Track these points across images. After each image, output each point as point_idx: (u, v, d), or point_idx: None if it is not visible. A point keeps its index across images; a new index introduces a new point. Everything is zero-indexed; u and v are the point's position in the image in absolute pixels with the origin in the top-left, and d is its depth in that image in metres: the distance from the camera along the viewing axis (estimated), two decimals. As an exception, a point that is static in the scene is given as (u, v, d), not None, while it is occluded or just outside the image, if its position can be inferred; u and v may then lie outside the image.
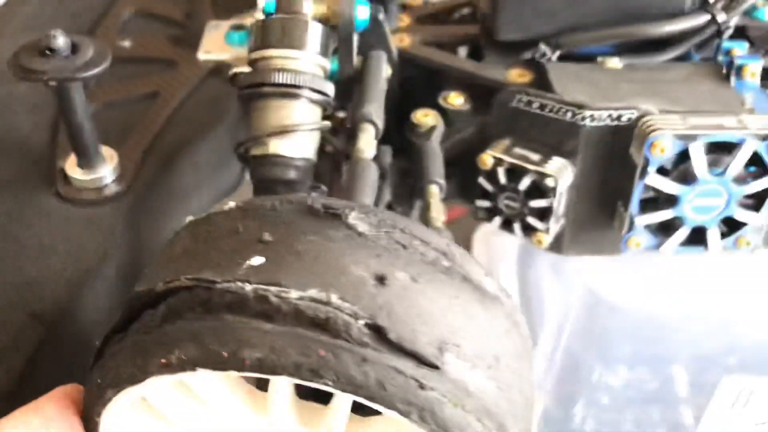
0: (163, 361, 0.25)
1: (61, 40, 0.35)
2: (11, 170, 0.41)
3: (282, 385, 0.26)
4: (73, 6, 0.54)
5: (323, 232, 0.26)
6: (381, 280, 0.24)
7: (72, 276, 0.36)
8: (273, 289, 0.24)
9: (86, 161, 0.40)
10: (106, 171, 0.40)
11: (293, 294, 0.24)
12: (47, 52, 0.35)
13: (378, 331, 0.23)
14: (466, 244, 0.81)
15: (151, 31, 0.52)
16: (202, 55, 0.48)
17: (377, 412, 0.25)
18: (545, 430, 0.62)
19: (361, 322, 0.23)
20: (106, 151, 0.41)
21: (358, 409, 0.27)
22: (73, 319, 0.35)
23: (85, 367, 0.35)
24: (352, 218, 0.26)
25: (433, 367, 0.23)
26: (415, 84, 0.48)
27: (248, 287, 0.24)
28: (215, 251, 0.26)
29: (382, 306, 0.24)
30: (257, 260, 0.25)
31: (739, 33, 0.48)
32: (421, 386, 0.23)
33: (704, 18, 0.44)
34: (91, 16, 0.53)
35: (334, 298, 0.24)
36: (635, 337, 0.51)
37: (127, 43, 0.50)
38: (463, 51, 0.51)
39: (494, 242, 0.77)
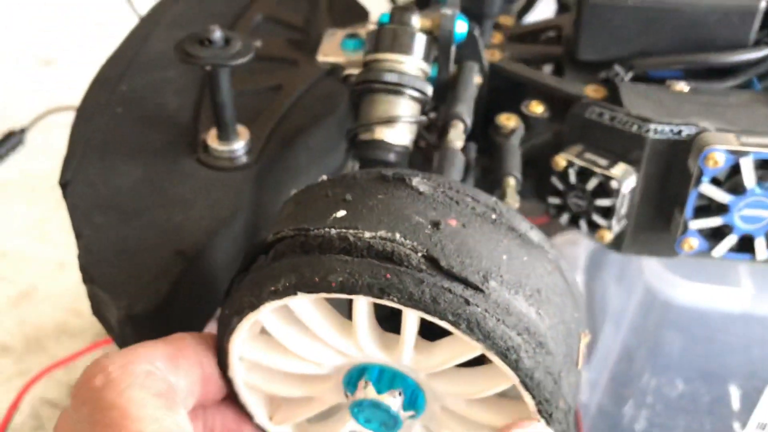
0: (272, 288, 0.33)
1: (217, 34, 0.44)
2: (161, 140, 0.50)
3: (362, 307, 0.33)
4: (212, 8, 0.63)
5: (392, 192, 0.34)
6: (436, 225, 0.32)
7: (209, 224, 0.44)
8: (351, 231, 0.32)
9: (224, 135, 0.48)
10: (239, 145, 0.48)
11: (366, 234, 0.31)
12: (206, 42, 0.44)
13: (432, 261, 0.31)
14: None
15: (277, 34, 0.61)
16: (320, 58, 0.56)
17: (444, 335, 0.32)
18: (599, 423, 0.67)
19: (419, 254, 0.31)
20: (241, 128, 0.49)
21: (426, 337, 0.34)
22: (209, 257, 0.43)
23: (215, 299, 0.44)
24: (415, 182, 0.34)
25: (478, 289, 0.30)
26: (502, 93, 0.55)
27: (333, 231, 0.32)
28: (311, 210, 0.34)
29: (436, 243, 0.31)
30: (341, 213, 0.33)
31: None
32: (467, 302, 0.30)
33: (765, 51, 0.50)
34: (227, 18, 0.61)
35: (398, 237, 0.31)
36: (686, 335, 0.56)
37: (257, 43, 0.58)
38: (547, 68, 0.58)
39: (564, 255, 0.82)
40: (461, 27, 0.47)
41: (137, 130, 0.51)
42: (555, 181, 0.50)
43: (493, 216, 0.34)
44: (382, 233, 0.32)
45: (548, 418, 0.33)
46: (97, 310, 0.44)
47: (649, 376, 0.63)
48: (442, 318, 0.31)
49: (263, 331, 0.37)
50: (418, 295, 0.30)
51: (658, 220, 0.51)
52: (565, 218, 0.51)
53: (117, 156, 0.49)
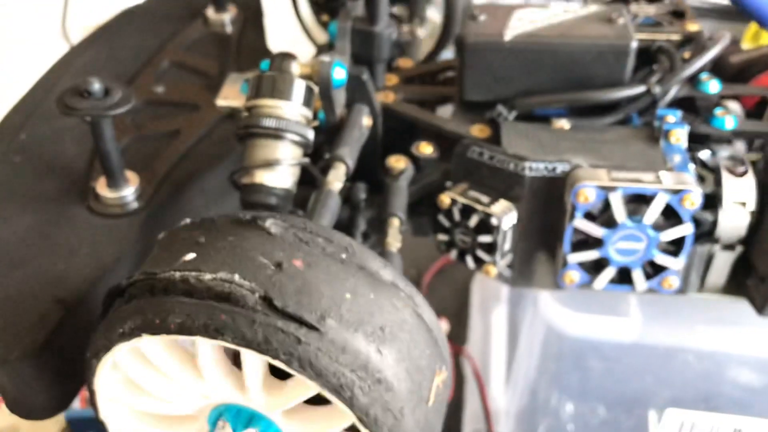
0: (120, 330, 0.34)
1: (96, 85, 0.45)
2: (55, 188, 0.51)
3: (204, 348, 0.34)
4: (120, 56, 0.64)
5: (242, 233, 0.35)
6: (279, 265, 0.33)
7: (92, 272, 0.45)
8: (193, 273, 0.33)
9: (113, 182, 0.49)
10: (129, 191, 0.49)
11: (207, 276, 0.33)
12: (85, 93, 0.45)
13: (268, 301, 0.32)
14: (465, 286, 0.88)
15: (182, 80, 0.62)
16: (219, 101, 0.58)
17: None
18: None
19: (256, 294, 0.32)
20: (130, 174, 0.50)
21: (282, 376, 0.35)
22: (89, 306, 0.44)
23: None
24: (268, 223, 0.35)
25: (313, 328, 0.31)
26: (397, 134, 0.56)
27: (177, 274, 0.33)
28: (166, 252, 0.35)
29: (275, 283, 0.32)
30: (190, 256, 0.34)
31: (688, 102, 0.55)
32: (299, 341, 0.31)
33: (640, 89, 0.52)
34: (135, 65, 0.63)
35: (237, 278, 0.32)
36: (582, 365, 0.57)
37: (160, 89, 0.60)
38: (448, 109, 0.59)
39: (488, 286, 0.84)
40: (339, 73, 0.49)
41: (32, 179, 0.52)
42: (441, 218, 0.52)
43: (343, 256, 0.35)
44: (222, 274, 0.33)
45: None
46: (-19, 358, 0.45)
47: (560, 403, 0.65)
48: (274, 357, 0.32)
49: (127, 378, 0.38)
50: (251, 335, 0.31)
51: (543, 254, 0.52)
52: (453, 254, 0.53)
53: (10, 205, 0.49)
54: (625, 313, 0.54)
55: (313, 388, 0.33)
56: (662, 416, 0.57)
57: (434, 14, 0.74)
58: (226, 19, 0.68)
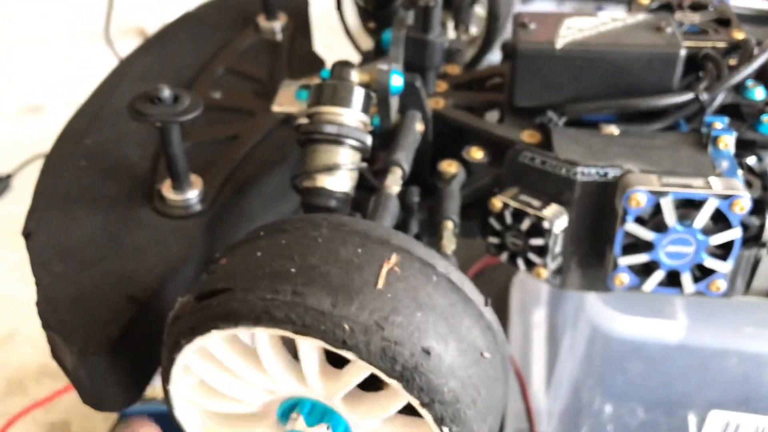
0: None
1: (166, 92, 0.47)
2: (120, 190, 0.53)
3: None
4: (178, 62, 0.66)
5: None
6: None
7: (161, 271, 0.47)
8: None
9: (178, 185, 0.51)
10: (193, 194, 0.51)
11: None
12: (156, 100, 0.47)
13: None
14: (505, 288, 0.89)
15: (238, 86, 0.64)
16: (275, 108, 0.60)
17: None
18: (555, 453, 0.69)
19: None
20: (194, 178, 0.52)
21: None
22: (159, 303, 0.46)
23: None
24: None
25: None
26: (447, 139, 0.58)
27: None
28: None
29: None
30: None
31: (734, 109, 0.56)
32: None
33: (688, 96, 0.53)
34: (191, 71, 0.65)
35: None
36: (627, 366, 0.58)
37: (217, 95, 0.62)
38: (494, 115, 0.61)
39: (528, 288, 0.85)
40: (397, 81, 0.50)
41: (98, 181, 0.54)
42: (493, 221, 0.53)
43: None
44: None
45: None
46: (56, 354, 0.47)
47: (602, 402, 0.66)
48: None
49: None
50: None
51: (592, 257, 0.53)
52: (504, 256, 0.54)
53: (78, 207, 0.52)
54: (671, 315, 0.55)
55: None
56: (706, 418, 0.58)
57: (477, 21, 0.76)
58: (276, 26, 0.70)
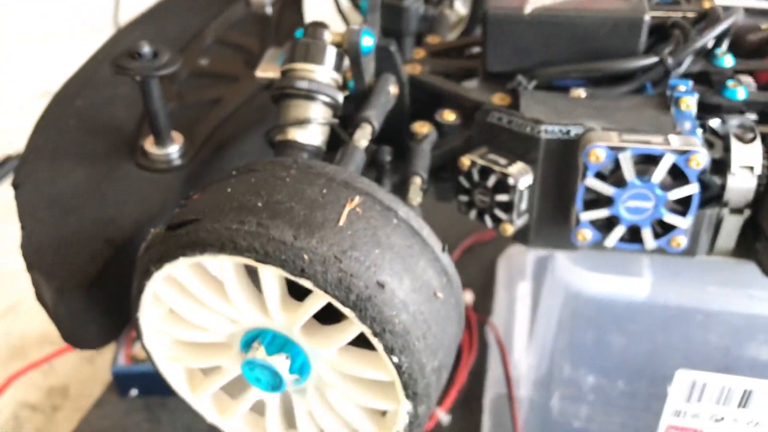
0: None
1: (146, 48, 0.50)
2: (106, 147, 0.56)
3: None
4: (168, 34, 0.69)
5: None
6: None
7: (139, 217, 0.50)
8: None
9: (160, 140, 0.53)
10: (173, 149, 0.54)
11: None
12: (136, 55, 0.50)
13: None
14: (492, 263, 0.91)
15: (224, 55, 0.66)
16: (258, 73, 0.62)
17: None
18: (531, 417, 0.70)
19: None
20: (176, 134, 0.55)
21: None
22: (136, 247, 0.48)
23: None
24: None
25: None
26: (423, 104, 0.60)
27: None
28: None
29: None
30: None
31: (704, 77, 0.58)
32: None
33: (653, 59, 0.54)
34: (181, 42, 0.67)
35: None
36: (596, 324, 0.60)
37: (204, 62, 0.64)
38: (470, 82, 0.63)
39: (514, 263, 0.87)
40: (367, 41, 0.52)
41: (86, 139, 0.56)
42: (462, 179, 0.55)
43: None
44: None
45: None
46: (38, 295, 0.49)
47: (585, 373, 0.67)
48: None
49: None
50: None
51: (558, 215, 0.55)
52: (473, 214, 0.56)
53: (65, 161, 0.54)
54: (637, 273, 0.57)
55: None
56: (672, 378, 0.60)
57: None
58: (266, 0, 0.73)
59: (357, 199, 0.39)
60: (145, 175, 0.53)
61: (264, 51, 0.67)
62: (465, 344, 0.78)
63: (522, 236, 0.56)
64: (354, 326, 0.38)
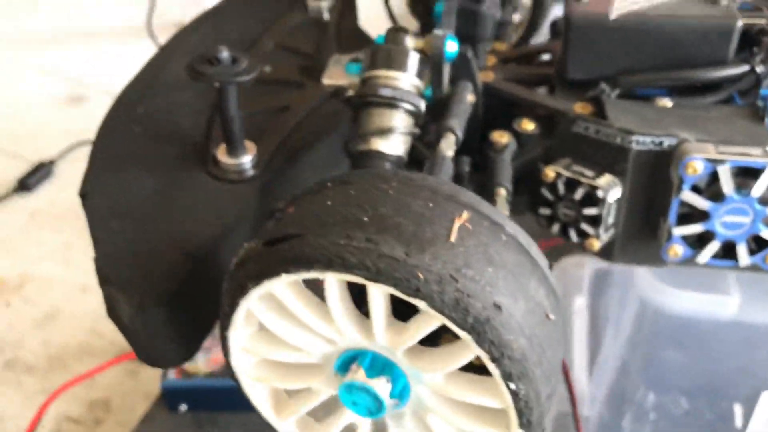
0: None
1: (225, 54, 0.48)
2: (175, 155, 0.54)
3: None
4: (228, 38, 0.67)
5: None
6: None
7: (216, 230, 0.48)
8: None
9: (233, 149, 0.51)
10: (247, 159, 0.52)
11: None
12: (214, 61, 0.48)
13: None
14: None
15: (287, 60, 0.65)
16: (325, 80, 0.60)
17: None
18: (598, 435, 0.68)
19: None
20: (248, 144, 0.53)
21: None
22: (215, 260, 0.46)
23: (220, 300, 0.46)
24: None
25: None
26: (497, 112, 0.58)
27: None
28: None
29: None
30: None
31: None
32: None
33: (744, 68, 0.52)
34: (242, 47, 0.65)
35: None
36: (678, 343, 0.58)
37: (267, 69, 0.62)
38: (542, 89, 0.61)
39: (570, 276, 0.85)
40: (452, 47, 0.50)
41: (153, 146, 0.54)
42: (545, 192, 0.53)
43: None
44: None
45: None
46: (112, 310, 0.47)
47: (646, 391, 0.65)
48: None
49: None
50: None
51: (645, 230, 0.53)
52: (555, 228, 0.54)
53: (133, 169, 0.52)
54: (723, 291, 0.54)
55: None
56: (755, 403, 0.57)
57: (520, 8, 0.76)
58: (324, 5, 0.71)
59: (465, 214, 0.37)
60: (218, 186, 0.51)
61: (322, 56, 0.66)
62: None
63: (606, 252, 0.54)
64: (469, 350, 0.35)
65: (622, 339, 0.63)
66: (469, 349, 0.35)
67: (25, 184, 1.13)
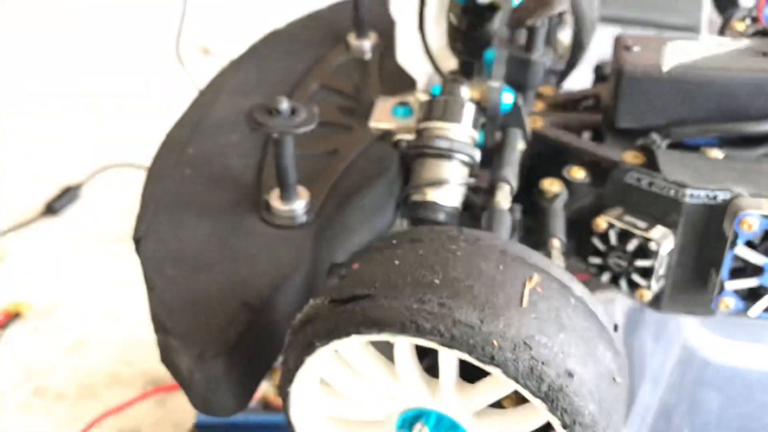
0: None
1: (284, 104, 0.48)
2: (227, 199, 0.54)
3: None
4: (272, 77, 0.67)
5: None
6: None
7: (273, 279, 0.48)
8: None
9: (286, 195, 0.52)
10: (300, 204, 0.52)
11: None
12: (274, 111, 0.48)
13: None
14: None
15: (331, 101, 0.65)
16: (373, 124, 0.60)
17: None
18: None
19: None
20: (300, 189, 0.53)
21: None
22: (273, 309, 0.46)
23: (278, 349, 0.47)
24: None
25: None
26: (545, 159, 0.58)
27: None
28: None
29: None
30: None
31: None
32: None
33: (795, 121, 0.53)
34: (286, 86, 0.66)
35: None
36: (723, 393, 0.57)
37: (315, 110, 0.63)
38: (586, 135, 0.61)
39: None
40: (507, 98, 0.51)
41: (204, 189, 0.55)
42: (596, 241, 0.53)
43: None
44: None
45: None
46: (167, 358, 0.48)
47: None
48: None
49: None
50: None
51: (695, 281, 0.53)
52: (605, 277, 0.54)
53: (186, 213, 0.53)
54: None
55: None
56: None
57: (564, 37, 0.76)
58: (366, 45, 0.71)
59: (536, 277, 0.37)
60: (272, 232, 0.51)
61: (366, 96, 0.66)
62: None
63: (655, 302, 0.54)
64: (541, 416, 0.35)
65: (662, 384, 0.63)
66: (540, 416, 0.35)
67: (52, 207, 1.14)
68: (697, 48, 0.55)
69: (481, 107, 0.51)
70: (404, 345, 0.37)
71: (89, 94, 1.43)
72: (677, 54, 0.55)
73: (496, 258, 0.38)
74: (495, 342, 0.34)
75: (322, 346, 0.38)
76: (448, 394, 0.37)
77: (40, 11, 1.64)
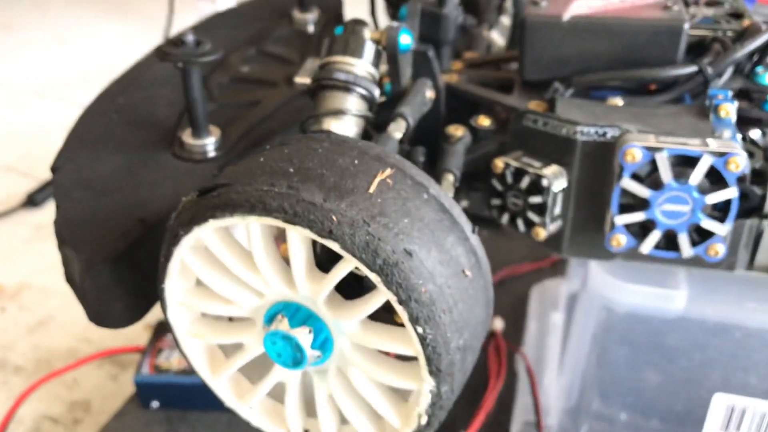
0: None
1: (190, 37, 0.51)
2: (145, 138, 0.57)
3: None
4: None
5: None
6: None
7: (172, 202, 0.50)
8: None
9: (197, 131, 0.54)
10: (210, 141, 0.55)
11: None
12: (180, 43, 0.51)
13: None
14: (523, 297, 0.90)
15: (265, 64, 0.68)
16: (297, 79, 0.63)
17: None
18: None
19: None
20: (213, 128, 0.55)
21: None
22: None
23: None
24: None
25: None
26: (458, 112, 0.60)
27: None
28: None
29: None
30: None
31: (744, 93, 0.57)
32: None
33: (692, 68, 0.54)
34: (225, 51, 0.69)
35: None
36: (629, 341, 0.58)
37: (245, 69, 0.66)
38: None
39: (547, 295, 0.86)
40: (405, 39, 0.53)
41: (126, 130, 0.58)
42: (495, 182, 0.55)
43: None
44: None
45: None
46: (68, 274, 0.50)
47: (599, 403, 0.64)
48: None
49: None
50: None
51: (593, 223, 0.54)
52: (505, 218, 0.55)
53: (104, 149, 0.55)
54: (673, 286, 0.55)
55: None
56: (710, 401, 0.57)
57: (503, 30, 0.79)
58: (309, 18, 0.74)
59: (388, 171, 0.39)
60: (181, 165, 0.54)
61: (303, 62, 0.69)
62: (493, 370, 0.76)
63: (555, 244, 0.55)
64: (379, 294, 0.37)
65: (584, 344, 0.63)
66: (379, 294, 0.37)
67: (33, 199, 1.17)
68: (602, 2, 0.57)
69: (382, 47, 0.53)
70: (257, 228, 0.38)
71: (75, 89, 1.49)
72: (581, 8, 0.57)
73: (354, 155, 0.39)
74: (334, 218, 0.36)
75: (185, 234, 0.39)
76: (299, 279, 0.39)
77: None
